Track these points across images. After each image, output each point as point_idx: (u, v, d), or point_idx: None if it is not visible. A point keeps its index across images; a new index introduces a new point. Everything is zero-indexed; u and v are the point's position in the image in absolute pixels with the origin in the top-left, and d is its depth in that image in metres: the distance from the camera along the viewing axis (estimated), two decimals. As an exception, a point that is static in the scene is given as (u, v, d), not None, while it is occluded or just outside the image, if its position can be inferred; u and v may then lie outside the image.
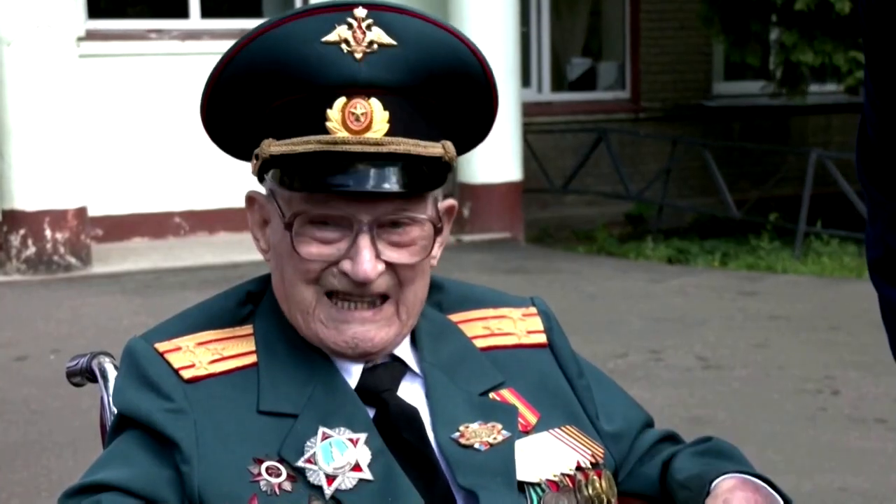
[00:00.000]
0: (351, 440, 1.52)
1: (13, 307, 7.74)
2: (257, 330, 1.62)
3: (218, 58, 1.57)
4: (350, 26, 1.50)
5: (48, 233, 8.61)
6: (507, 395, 1.65)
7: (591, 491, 1.58)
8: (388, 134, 1.52)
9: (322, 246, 1.55)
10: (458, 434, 1.57)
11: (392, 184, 1.52)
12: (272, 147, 1.54)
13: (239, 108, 1.58)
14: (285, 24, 1.52)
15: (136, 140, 9.83)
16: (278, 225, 1.58)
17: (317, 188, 1.52)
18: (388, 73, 1.51)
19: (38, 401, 5.64)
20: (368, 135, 1.51)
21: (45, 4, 8.45)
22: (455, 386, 1.62)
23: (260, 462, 1.49)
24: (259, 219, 1.65)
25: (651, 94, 12.70)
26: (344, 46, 1.50)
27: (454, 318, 1.72)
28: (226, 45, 1.60)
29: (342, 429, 1.53)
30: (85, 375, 1.81)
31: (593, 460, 1.62)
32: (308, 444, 1.51)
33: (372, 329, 1.57)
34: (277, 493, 1.47)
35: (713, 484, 1.56)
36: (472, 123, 1.65)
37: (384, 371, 1.62)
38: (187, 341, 1.59)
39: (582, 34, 12.99)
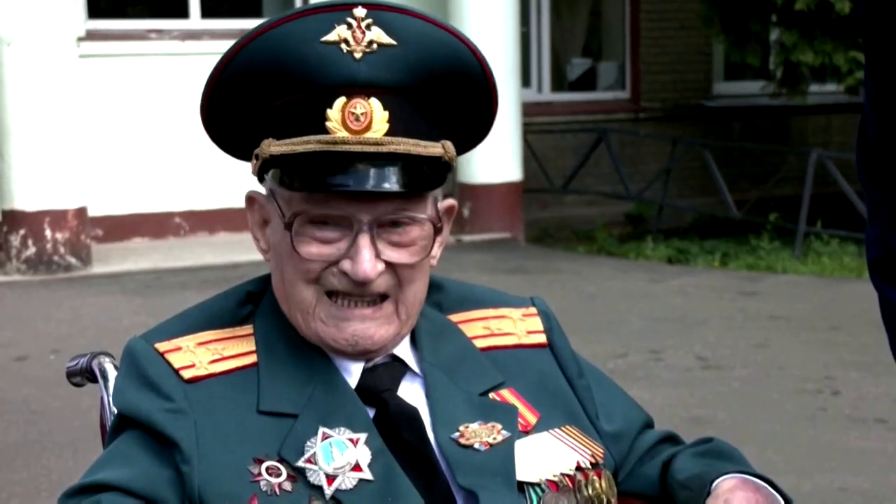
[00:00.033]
0: (351, 440, 1.52)
1: (13, 307, 7.74)
2: (257, 330, 1.62)
3: (218, 58, 1.57)
4: (349, 26, 1.50)
5: (48, 233, 8.61)
6: (506, 395, 1.65)
7: (590, 491, 1.58)
8: (387, 134, 1.52)
9: (322, 246, 1.55)
10: (457, 434, 1.57)
11: (392, 183, 1.52)
12: (272, 147, 1.54)
13: (239, 108, 1.58)
14: (285, 23, 1.52)
15: (136, 140, 9.83)
16: (278, 225, 1.58)
17: (317, 188, 1.52)
18: (388, 73, 1.51)
19: (38, 401, 5.64)
20: (368, 135, 1.51)
21: (45, 4, 8.45)
22: (455, 386, 1.62)
23: (260, 462, 1.49)
24: (259, 219, 1.65)
25: (651, 94, 12.70)
26: (343, 46, 1.50)
27: (454, 318, 1.72)
28: (226, 45, 1.60)
29: (342, 429, 1.53)
30: (85, 375, 1.80)
31: (593, 460, 1.62)
32: (308, 444, 1.51)
33: (372, 326, 1.58)
34: (277, 493, 1.47)
35: (714, 484, 1.56)
36: (472, 123, 1.65)
37: (384, 371, 1.62)
38: (187, 341, 1.59)
39: (582, 34, 12.99)
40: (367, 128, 1.51)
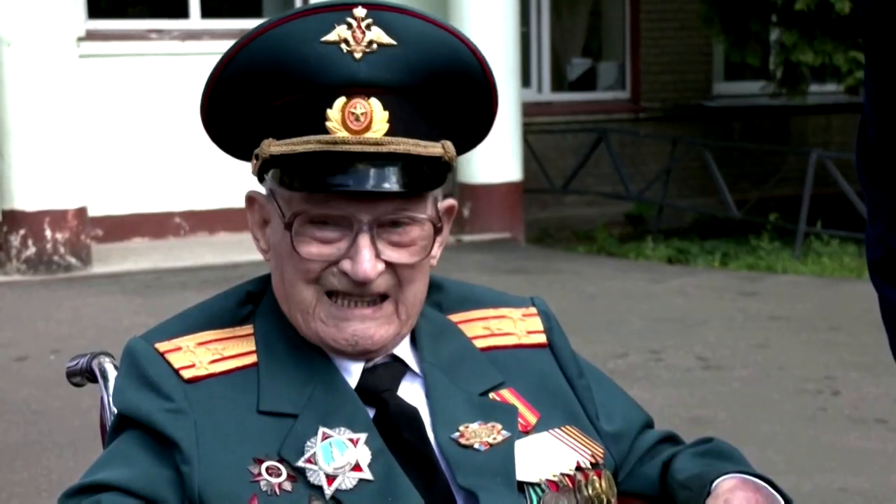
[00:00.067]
0: (351, 440, 1.52)
1: (13, 307, 7.74)
2: (257, 330, 1.62)
3: (218, 58, 1.57)
4: (349, 26, 1.50)
5: (48, 233, 8.61)
6: (506, 395, 1.65)
7: (590, 491, 1.58)
8: (387, 134, 1.52)
9: (322, 246, 1.55)
10: (457, 434, 1.57)
11: (392, 183, 1.52)
12: (272, 147, 1.54)
13: (239, 108, 1.58)
14: (285, 23, 1.52)
15: (136, 140, 9.83)
16: (278, 225, 1.58)
17: (317, 188, 1.52)
18: (388, 73, 1.51)
19: (38, 401, 5.64)
20: (368, 135, 1.51)
21: (45, 4, 8.45)
22: (455, 386, 1.62)
23: (260, 462, 1.49)
24: (259, 219, 1.65)
25: (651, 94, 12.70)
26: (343, 46, 1.50)
27: (454, 318, 1.72)
28: (226, 45, 1.60)
29: (342, 429, 1.53)
30: (85, 375, 1.80)
31: (593, 460, 1.62)
32: (308, 444, 1.51)
33: (372, 326, 1.58)
34: (277, 493, 1.47)
35: (714, 484, 1.56)
36: (472, 123, 1.65)
37: (384, 371, 1.62)
38: (187, 341, 1.59)
39: (582, 34, 12.99)
40: (367, 128, 1.51)
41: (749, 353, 6.45)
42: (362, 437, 1.52)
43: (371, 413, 1.57)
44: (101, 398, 1.77)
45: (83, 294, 8.03)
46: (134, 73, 9.85)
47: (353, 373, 1.60)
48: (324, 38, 1.50)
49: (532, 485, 1.56)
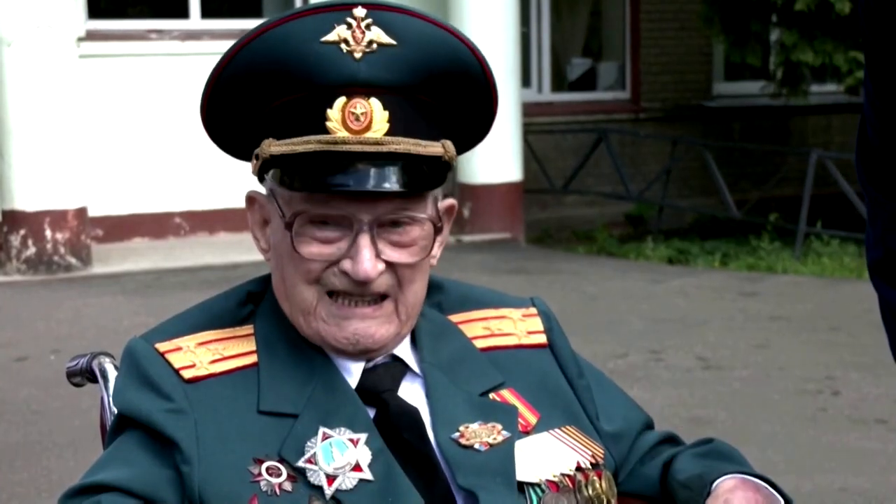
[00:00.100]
0: (351, 440, 1.52)
1: (13, 307, 7.74)
2: (258, 330, 1.62)
3: (218, 58, 1.57)
4: (349, 26, 1.50)
5: (48, 233, 8.61)
6: (507, 395, 1.65)
7: (590, 491, 1.58)
8: (388, 133, 1.52)
9: (322, 245, 1.55)
10: (458, 434, 1.57)
11: (392, 183, 1.52)
12: (272, 147, 1.54)
13: (239, 107, 1.58)
14: (284, 23, 1.52)
15: (136, 140, 9.84)
16: (279, 225, 1.58)
17: (317, 188, 1.52)
18: (388, 73, 1.51)
19: (38, 401, 5.64)
20: (368, 134, 1.51)
21: (45, 4, 8.45)
22: (455, 386, 1.62)
23: (260, 462, 1.49)
24: (259, 218, 1.65)
25: (651, 94, 12.70)
26: (343, 46, 1.50)
27: (454, 318, 1.72)
28: (226, 45, 1.60)
29: (342, 429, 1.53)
30: (85, 376, 1.80)
31: (593, 461, 1.62)
32: (308, 444, 1.51)
33: (373, 325, 1.58)
34: (278, 493, 1.47)
35: (714, 484, 1.56)
36: (472, 123, 1.65)
37: (384, 371, 1.62)
38: (188, 341, 1.59)
39: (582, 34, 12.99)
40: (368, 127, 1.51)
41: (749, 354, 6.45)
42: (362, 437, 1.52)
43: (371, 413, 1.57)
44: (101, 398, 1.77)
45: (83, 294, 8.03)
46: (134, 73, 9.85)
47: (353, 373, 1.60)
48: (324, 38, 1.50)
49: (532, 485, 1.56)
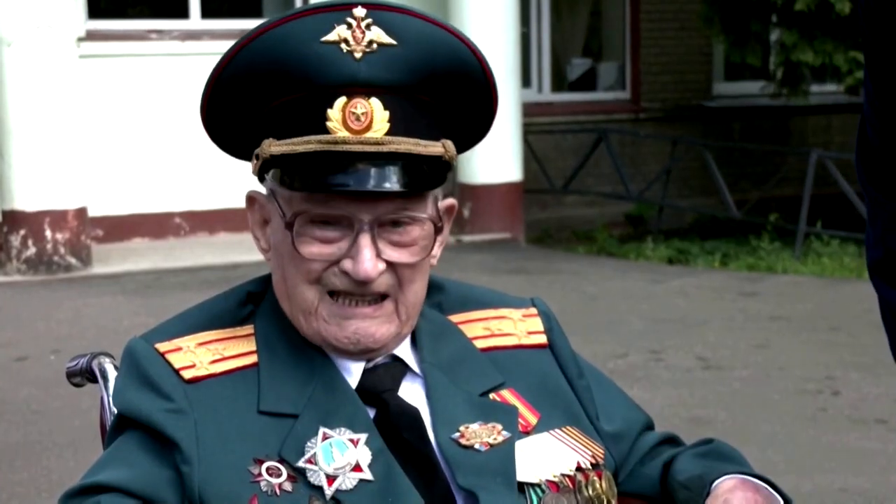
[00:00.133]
0: (351, 440, 1.52)
1: (13, 307, 7.74)
2: (258, 330, 1.62)
3: (218, 58, 1.57)
4: (349, 26, 1.50)
5: (48, 233, 8.61)
6: (507, 395, 1.65)
7: (591, 491, 1.58)
8: (388, 133, 1.52)
9: (323, 245, 1.55)
10: (458, 434, 1.57)
11: (393, 183, 1.52)
12: (273, 147, 1.54)
13: (239, 107, 1.58)
14: (285, 23, 1.52)
15: (136, 140, 9.84)
16: (279, 224, 1.58)
17: (317, 188, 1.52)
18: (388, 73, 1.51)
19: (38, 401, 5.64)
20: (369, 134, 1.51)
21: (45, 5, 8.45)
22: (455, 386, 1.62)
23: (260, 462, 1.49)
24: (259, 218, 1.65)
25: (651, 94, 12.70)
26: (343, 46, 1.50)
27: (454, 318, 1.72)
28: (226, 45, 1.60)
29: (343, 429, 1.53)
30: (85, 376, 1.80)
31: (593, 461, 1.62)
32: (308, 444, 1.51)
33: (373, 325, 1.58)
34: (278, 493, 1.47)
35: (713, 484, 1.56)
36: (472, 123, 1.65)
37: (385, 371, 1.62)
38: (188, 341, 1.59)
39: (582, 34, 12.99)
40: (368, 127, 1.51)
41: (749, 354, 6.45)
42: (363, 437, 1.52)
43: (371, 413, 1.57)
44: (101, 398, 1.77)
45: (83, 294, 8.03)
46: (134, 73, 9.85)
47: (353, 373, 1.60)
48: (324, 38, 1.50)
49: (532, 485, 1.56)
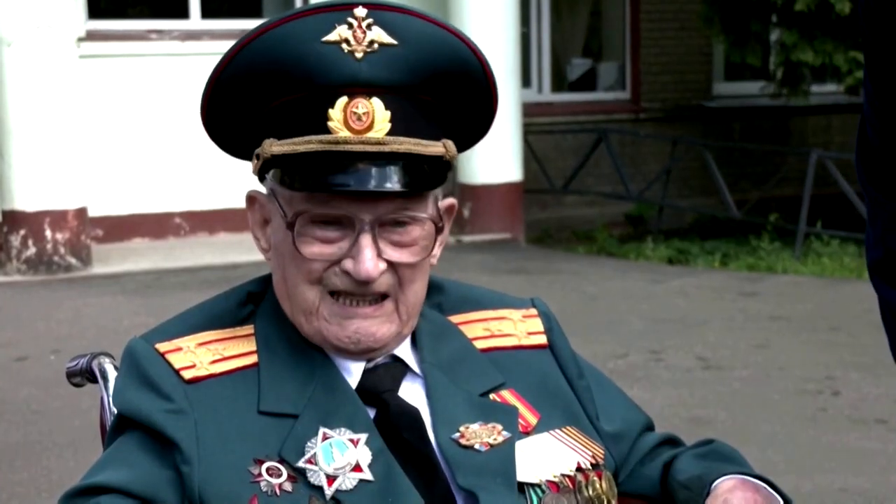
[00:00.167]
0: (351, 440, 1.52)
1: (13, 307, 7.74)
2: (258, 330, 1.62)
3: (218, 58, 1.57)
4: (350, 26, 1.50)
5: (48, 233, 8.61)
6: (507, 395, 1.65)
7: (591, 492, 1.58)
8: (389, 133, 1.52)
9: (324, 245, 1.55)
10: (458, 434, 1.57)
11: (393, 183, 1.52)
12: (273, 147, 1.54)
13: (239, 107, 1.58)
14: (285, 23, 1.52)
15: (136, 140, 9.84)
16: (280, 224, 1.58)
17: (318, 188, 1.52)
18: (389, 73, 1.51)
19: (38, 401, 5.64)
20: (370, 134, 1.51)
21: (45, 5, 8.45)
22: (455, 386, 1.62)
23: (260, 462, 1.49)
24: (260, 218, 1.65)
25: (651, 94, 12.70)
26: (344, 46, 1.50)
27: (454, 319, 1.72)
28: (226, 45, 1.60)
29: (343, 429, 1.53)
30: (85, 376, 1.80)
31: (593, 461, 1.62)
32: (308, 444, 1.51)
33: (374, 324, 1.58)
34: (278, 493, 1.47)
35: (713, 484, 1.56)
36: (472, 122, 1.65)
37: (385, 371, 1.62)
38: (188, 342, 1.59)
39: (582, 35, 12.99)
40: (369, 127, 1.51)
41: (749, 354, 6.45)
42: (363, 437, 1.52)
43: (371, 413, 1.57)
44: (101, 398, 1.77)
45: (83, 294, 8.03)
46: (134, 73, 9.85)
47: (353, 373, 1.60)
48: (324, 38, 1.50)
49: (532, 485, 1.56)
